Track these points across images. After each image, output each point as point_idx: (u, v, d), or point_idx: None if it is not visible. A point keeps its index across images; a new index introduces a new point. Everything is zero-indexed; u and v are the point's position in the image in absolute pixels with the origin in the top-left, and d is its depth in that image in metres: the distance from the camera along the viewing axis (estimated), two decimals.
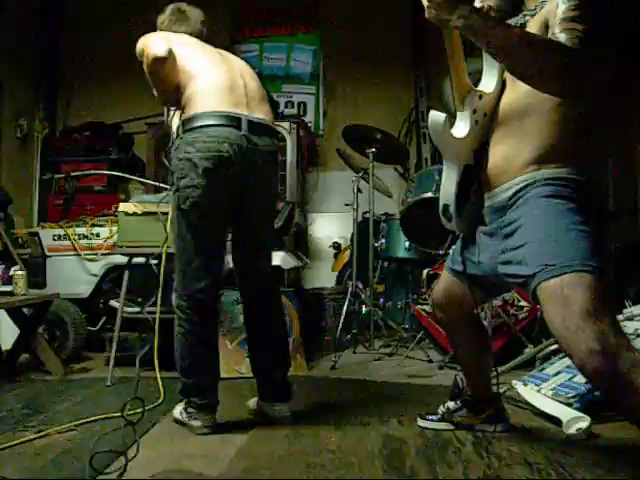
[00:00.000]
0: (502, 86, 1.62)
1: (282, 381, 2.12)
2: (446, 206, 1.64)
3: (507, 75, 1.58)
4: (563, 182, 1.44)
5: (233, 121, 1.92)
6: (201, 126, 1.90)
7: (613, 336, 1.27)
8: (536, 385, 2.24)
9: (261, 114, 2.03)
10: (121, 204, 2.94)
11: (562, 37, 1.31)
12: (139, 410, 2.02)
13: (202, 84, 1.97)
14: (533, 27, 1.46)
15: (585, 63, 1.31)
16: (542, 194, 1.45)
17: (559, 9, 1.36)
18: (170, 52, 1.91)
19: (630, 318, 2.48)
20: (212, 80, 1.99)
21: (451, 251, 1.89)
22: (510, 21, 1.55)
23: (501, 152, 1.55)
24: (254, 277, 2.12)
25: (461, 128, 1.58)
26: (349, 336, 3.46)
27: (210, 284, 1.96)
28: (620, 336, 1.29)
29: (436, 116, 1.54)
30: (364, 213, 4.01)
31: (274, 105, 4.53)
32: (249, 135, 1.93)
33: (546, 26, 1.42)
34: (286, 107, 5.18)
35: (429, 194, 3.23)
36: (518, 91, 1.52)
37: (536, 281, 1.38)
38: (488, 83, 1.62)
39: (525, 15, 1.54)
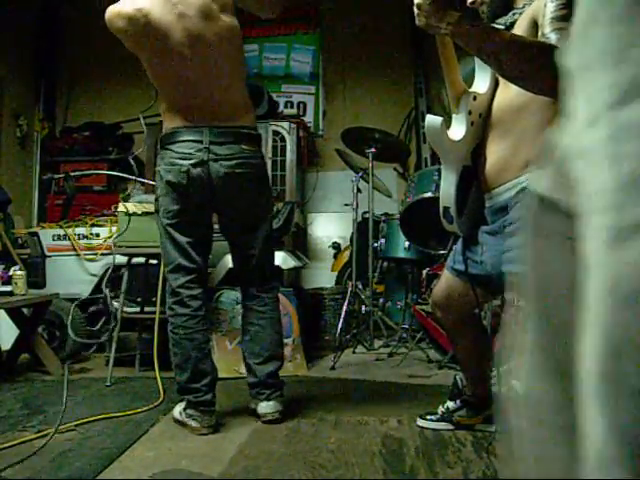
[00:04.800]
0: (495, 85, 1.62)
1: (269, 379, 2.13)
2: (446, 208, 1.64)
3: None
4: None
5: (196, 135, 2.04)
6: (169, 143, 2.07)
7: None
8: None
9: (228, 119, 2.07)
10: (121, 204, 2.94)
11: (553, 37, 1.31)
12: (139, 410, 2.02)
13: (169, 99, 2.09)
14: (521, 25, 1.46)
15: None
16: None
17: (547, 8, 1.35)
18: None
19: None
20: (178, 89, 2.05)
21: (452, 251, 1.89)
22: (499, 20, 1.55)
23: (498, 152, 1.56)
24: (245, 277, 2.25)
25: (457, 130, 1.58)
26: (349, 336, 3.46)
27: (190, 280, 2.09)
28: None
29: (432, 120, 1.54)
30: (364, 213, 4.01)
31: (273, 103, 4.53)
32: (210, 147, 2.04)
33: (534, 24, 1.41)
34: (286, 107, 5.17)
35: (429, 194, 3.23)
36: (511, 90, 1.52)
37: None
38: (481, 83, 1.62)
39: (514, 13, 1.54)
